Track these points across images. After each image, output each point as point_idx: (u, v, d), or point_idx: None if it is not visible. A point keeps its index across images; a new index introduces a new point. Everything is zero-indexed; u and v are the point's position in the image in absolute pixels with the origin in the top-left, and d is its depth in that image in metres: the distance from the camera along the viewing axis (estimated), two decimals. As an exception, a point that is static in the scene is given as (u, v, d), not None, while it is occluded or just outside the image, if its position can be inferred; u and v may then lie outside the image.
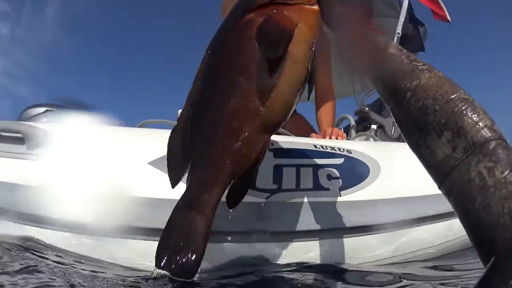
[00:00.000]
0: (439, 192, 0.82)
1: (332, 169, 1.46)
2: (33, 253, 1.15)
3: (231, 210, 1.10)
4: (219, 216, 1.04)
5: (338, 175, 1.46)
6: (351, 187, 1.46)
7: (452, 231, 1.68)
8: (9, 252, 1.11)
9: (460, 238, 1.70)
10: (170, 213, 1.03)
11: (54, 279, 0.92)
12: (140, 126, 1.91)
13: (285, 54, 0.98)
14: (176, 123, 1.14)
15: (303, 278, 1.19)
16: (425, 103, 0.77)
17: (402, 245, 1.55)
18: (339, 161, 1.51)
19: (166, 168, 1.11)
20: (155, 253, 1.00)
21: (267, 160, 1.37)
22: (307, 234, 1.36)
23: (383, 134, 2.58)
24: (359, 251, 1.47)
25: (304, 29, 1.00)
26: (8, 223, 1.28)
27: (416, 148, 0.82)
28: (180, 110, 1.17)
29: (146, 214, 1.25)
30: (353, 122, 2.55)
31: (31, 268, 0.98)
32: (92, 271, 1.09)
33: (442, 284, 1.12)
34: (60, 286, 0.89)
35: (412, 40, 3.19)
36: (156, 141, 1.36)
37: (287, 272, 1.25)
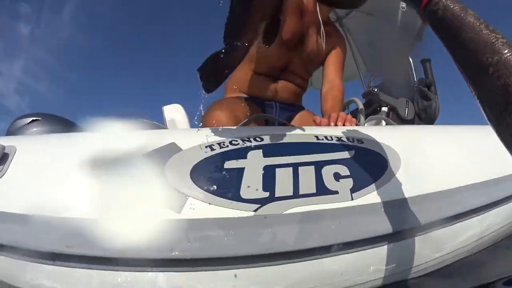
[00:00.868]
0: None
1: (340, 165, 1.14)
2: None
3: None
4: (192, 240, 0.92)
5: (348, 172, 1.14)
6: (366, 186, 1.14)
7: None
8: None
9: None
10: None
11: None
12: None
13: None
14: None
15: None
16: (507, 82, 0.71)
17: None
18: (349, 154, 1.19)
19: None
20: None
21: (254, 161, 1.06)
22: (311, 253, 1.04)
23: (395, 117, 2.25)
24: (383, 265, 1.14)
25: None
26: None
27: (496, 126, 0.77)
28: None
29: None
30: (361, 106, 2.23)
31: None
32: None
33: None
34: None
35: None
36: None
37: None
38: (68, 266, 0.96)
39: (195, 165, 1.08)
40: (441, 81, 2.68)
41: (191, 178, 1.05)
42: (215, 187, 1.04)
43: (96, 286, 0.96)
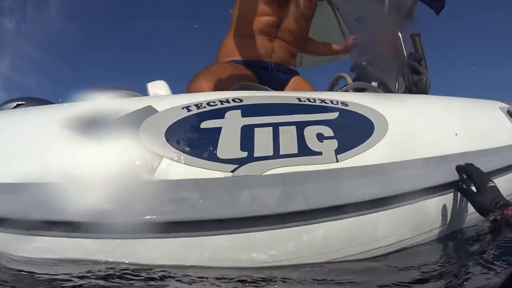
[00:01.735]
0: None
1: (324, 127, 1.08)
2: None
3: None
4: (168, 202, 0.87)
5: (332, 133, 1.08)
6: (352, 148, 1.08)
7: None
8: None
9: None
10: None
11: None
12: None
13: None
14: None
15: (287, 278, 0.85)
16: None
17: (423, 220, 1.17)
18: (333, 115, 1.13)
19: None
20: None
21: (232, 120, 1.00)
22: (292, 218, 0.98)
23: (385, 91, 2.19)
24: (365, 234, 1.09)
25: None
26: None
27: None
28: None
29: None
30: (350, 81, 2.17)
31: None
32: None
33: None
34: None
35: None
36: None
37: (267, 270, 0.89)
38: (41, 235, 0.91)
39: (170, 125, 1.02)
40: (431, 56, 2.63)
41: (166, 138, 0.99)
42: (190, 147, 0.98)
43: (63, 252, 0.90)
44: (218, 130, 1.01)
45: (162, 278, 0.81)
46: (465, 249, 1.19)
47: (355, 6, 3.47)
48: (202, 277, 0.84)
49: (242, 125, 1.02)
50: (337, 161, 1.04)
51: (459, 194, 1.24)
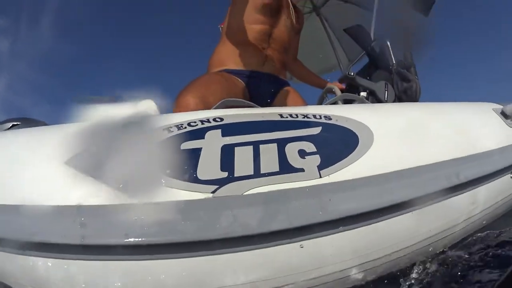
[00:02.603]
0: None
1: (306, 142, 1.07)
2: None
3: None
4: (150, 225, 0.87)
5: (314, 149, 1.07)
6: (335, 163, 1.07)
7: (476, 203, 1.30)
8: None
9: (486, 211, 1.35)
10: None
11: None
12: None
13: None
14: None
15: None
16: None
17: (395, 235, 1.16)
18: (315, 130, 1.12)
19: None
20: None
21: (212, 140, 1.00)
22: (276, 237, 0.96)
23: (375, 101, 2.18)
24: (353, 249, 1.07)
25: None
26: None
27: None
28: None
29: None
30: (339, 92, 2.16)
31: None
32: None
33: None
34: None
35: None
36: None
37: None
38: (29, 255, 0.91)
39: (151, 147, 1.01)
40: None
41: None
42: (171, 169, 0.97)
43: (46, 274, 0.90)
44: (198, 151, 1.01)
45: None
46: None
47: (344, 17, 3.50)
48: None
49: (222, 144, 1.02)
50: (320, 177, 1.03)
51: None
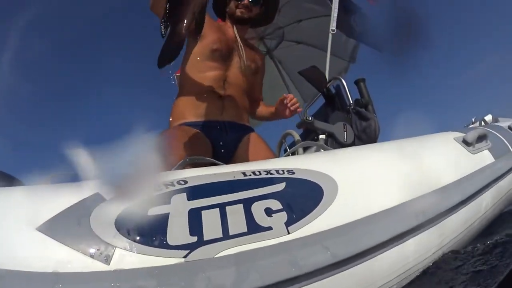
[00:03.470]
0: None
1: (271, 200, 1.10)
2: None
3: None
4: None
5: (280, 206, 1.09)
6: (302, 218, 1.09)
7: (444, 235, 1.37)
8: None
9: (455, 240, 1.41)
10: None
11: None
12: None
13: None
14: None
15: None
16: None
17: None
18: (279, 187, 1.14)
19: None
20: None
21: (178, 205, 1.00)
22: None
23: (334, 143, 2.24)
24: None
25: None
26: None
27: None
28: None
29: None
30: (297, 137, 2.21)
31: None
32: None
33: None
34: None
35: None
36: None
37: None
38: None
39: (119, 214, 1.00)
40: (378, 98, 2.73)
41: (117, 228, 0.97)
42: (141, 236, 0.96)
43: None
44: (165, 216, 1.00)
45: None
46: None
47: (297, 57, 3.60)
48: None
49: (189, 209, 1.02)
50: (289, 233, 1.04)
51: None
